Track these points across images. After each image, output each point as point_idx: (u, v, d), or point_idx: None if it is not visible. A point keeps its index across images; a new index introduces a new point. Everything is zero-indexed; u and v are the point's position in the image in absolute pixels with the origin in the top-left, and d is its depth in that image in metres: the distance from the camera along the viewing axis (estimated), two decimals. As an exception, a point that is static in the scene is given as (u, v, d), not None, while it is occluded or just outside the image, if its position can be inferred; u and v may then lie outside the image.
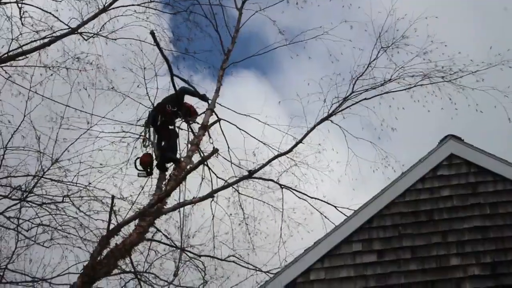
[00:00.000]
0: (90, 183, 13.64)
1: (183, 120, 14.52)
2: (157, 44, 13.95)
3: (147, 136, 13.85)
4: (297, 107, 17.05)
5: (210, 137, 15.18)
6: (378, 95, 16.02)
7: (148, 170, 13.70)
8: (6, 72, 13.86)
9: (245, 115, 16.23)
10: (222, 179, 15.32)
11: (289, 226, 16.07)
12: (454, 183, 8.87)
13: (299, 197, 15.93)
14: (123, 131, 15.22)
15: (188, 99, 14.67)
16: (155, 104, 14.93)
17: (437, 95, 15.57)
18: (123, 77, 15.92)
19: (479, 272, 8.20)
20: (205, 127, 14.80)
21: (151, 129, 14.05)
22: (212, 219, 15.43)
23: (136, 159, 13.65)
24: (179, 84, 14.60)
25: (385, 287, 8.41)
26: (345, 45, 16.76)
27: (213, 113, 15.26)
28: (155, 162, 13.76)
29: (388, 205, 8.90)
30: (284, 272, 8.86)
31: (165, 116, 13.64)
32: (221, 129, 15.57)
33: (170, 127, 13.98)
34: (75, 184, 13.58)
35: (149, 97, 15.45)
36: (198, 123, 14.90)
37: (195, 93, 14.70)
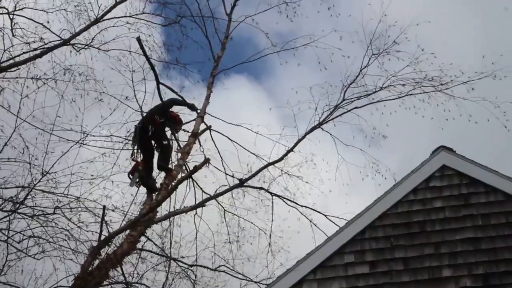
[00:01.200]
0: (81, 195, 13.58)
1: (170, 131, 14.44)
2: (143, 51, 13.95)
3: (135, 150, 13.70)
4: (289, 112, 17.04)
5: (200, 145, 15.16)
6: (369, 103, 16.03)
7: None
8: (-3, 85, 13.82)
9: (236, 125, 16.24)
10: (207, 194, 15.26)
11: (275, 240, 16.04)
12: (446, 194, 8.89)
13: (289, 205, 15.91)
14: (112, 135, 15.19)
15: (175, 108, 14.62)
16: (143, 113, 14.91)
17: (429, 103, 15.58)
18: (111, 80, 15.88)
19: (471, 283, 8.21)
20: (195, 135, 14.76)
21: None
22: (196, 233, 15.40)
23: (129, 173, 13.55)
24: (165, 92, 14.61)
25: (378, 298, 8.42)
26: (334, 53, 16.74)
27: (203, 121, 15.24)
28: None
29: (380, 216, 8.90)
30: (277, 283, 8.84)
31: (155, 127, 13.55)
32: (211, 137, 15.57)
33: (162, 137, 13.88)
34: (66, 196, 13.52)
35: (136, 100, 15.46)
36: (186, 131, 14.86)
37: (183, 103, 14.62)
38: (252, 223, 16.10)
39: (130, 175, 13.49)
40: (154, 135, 13.49)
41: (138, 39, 13.85)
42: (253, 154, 16.05)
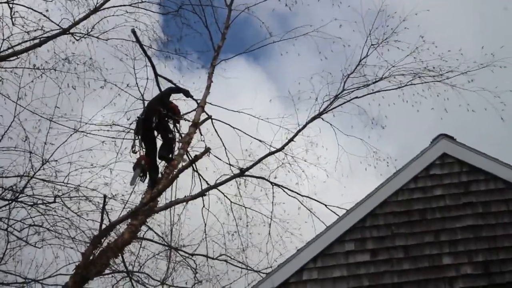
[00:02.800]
0: (80, 184, 13.59)
1: (172, 122, 14.42)
2: (139, 43, 13.92)
3: (137, 143, 13.68)
4: (290, 96, 17.04)
5: (201, 135, 15.18)
6: (369, 93, 16.02)
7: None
8: (-3, 74, 13.81)
9: (236, 111, 16.24)
10: (209, 184, 15.27)
11: (277, 227, 16.06)
12: (447, 182, 8.89)
13: (290, 195, 15.93)
14: (113, 124, 15.20)
15: (172, 98, 14.60)
16: (145, 101, 14.92)
17: (429, 95, 15.58)
18: (112, 67, 15.88)
19: (471, 271, 8.22)
20: (196, 125, 14.77)
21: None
22: (205, 225, 15.40)
23: (135, 163, 13.50)
24: (163, 84, 14.61)
25: (378, 286, 8.42)
26: (334, 41, 16.73)
27: (204, 111, 15.24)
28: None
29: (380, 204, 8.91)
30: (277, 272, 8.85)
31: (159, 118, 13.53)
32: (213, 126, 15.57)
33: (166, 129, 13.86)
34: (65, 185, 13.53)
35: (138, 88, 15.51)
36: (187, 120, 14.85)
37: (179, 90, 14.59)
38: (257, 211, 16.06)
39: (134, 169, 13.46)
40: (158, 127, 13.49)
41: (133, 32, 13.85)
42: (256, 139, 16.06)
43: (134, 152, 13.62)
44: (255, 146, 16.14)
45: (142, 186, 13.75)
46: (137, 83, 15.49)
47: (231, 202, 15.98)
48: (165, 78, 14.81)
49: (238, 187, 15.85)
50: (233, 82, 17.22)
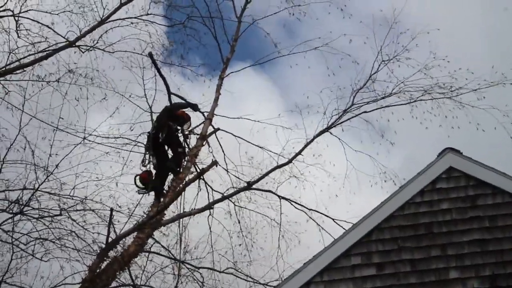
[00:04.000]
0: (87, 197, 13.61)
1: (182, 135, 14.45)
2: (155, 65, 14.03)
3: (147, 157, 13.75)
4: (298, 103, 17.06)
5: (209, 146, 15.20)
6: (378, 108, 16.04)
7: (147, 186, 13.58)
8: (3, 87, 13.85)
9: (242, 117, 16.26)
10: (220, 193, 15.30)
11: (285, 239, 16.02)
12: (453, 196, 8.85)
13: (297, 208, 15.91)
14: (118, 137, 15.24)
15: None
16: (152, 114, 14.98)
17: (437, 113, 15.56)
18: (121, 79, 15.93)
19: (478, 285, 8.19)
20: (204, 137, 14.80)
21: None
22: (210, 233, 15.39)
23: (136, 176, 13.59)
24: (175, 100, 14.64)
25: (385, 300, 8.41)
26: (343, 58, 16.78)
27: (211, 124, 15.27)
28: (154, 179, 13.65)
29: (387, 218, 8.88)
30: (284, 285, 8.84)
31: (169, 133, 13.61)
32: (217, 140, 15.58)
33: (177, 143, 13.93)
34: (71, 197, 13.56)
35: (146, 99, 15.53)
36: (196, 133, 14.86)
37: (185, 105, 14.62)
38: (262, 214, 15.98)
39: (136, 178, 13.50)
40: (168, 141, 13.56)
41: (150, 54, 13.99)
42: (265, 149, 16.04)
43: (144, 166, 13.68)
44: (261, 158, 16.13)
45: (149, 199, 13.78)
46: (145, 94, 15.56)
47: (234, 205, 15.91)
48: (177, 96, 14.84)
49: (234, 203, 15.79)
50: (239, 91, 17.18)
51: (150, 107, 15.32)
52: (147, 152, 13.68)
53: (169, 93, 14.41)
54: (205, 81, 17.36)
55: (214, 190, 15.36)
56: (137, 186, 13.50)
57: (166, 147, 13.81)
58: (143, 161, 13.70)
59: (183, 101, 14.73)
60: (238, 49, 16.97)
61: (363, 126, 16.10)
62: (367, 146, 16.54)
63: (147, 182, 13.42)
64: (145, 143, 14.11)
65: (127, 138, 15.21)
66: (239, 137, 16.00)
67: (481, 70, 15.62)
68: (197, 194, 15.10)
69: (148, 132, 13.91)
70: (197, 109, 14.77)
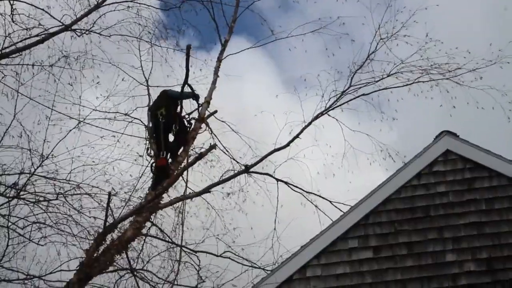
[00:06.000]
0: (83, 181, 13.59)
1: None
2: (187, 58, 14.02)
3: (150, 144, 13.78)
4: (296, 78, 17.04)
5: (209, 128, 15.16)
6: (376, 90, 15.96)
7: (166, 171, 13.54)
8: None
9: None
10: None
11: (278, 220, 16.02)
12: (450, 179, 8.88)
13: (295, 191, 15.89)
14: (117, 112, 15.24)
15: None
16: (149, 87, 15.12)
17: (439, 90, 15.51)
18: (118, 47, 15.87)
19: (475, 267, 8.23)
20: (202, 120, 14.76)
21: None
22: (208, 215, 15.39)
23: (152, 163, 13.54)
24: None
25: (382, 283, 8.44)
26: (341, 37, 16.69)
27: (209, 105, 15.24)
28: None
29: (384, 201, 8.91)
30: (281, 268, 8.89)
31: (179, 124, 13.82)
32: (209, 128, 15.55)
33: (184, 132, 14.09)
34: (67, 182, 13.53)
35: (143, 71, 15.55)
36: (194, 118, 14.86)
37: (188, 95, 14.64)
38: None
39: (153, 171, 13.49)
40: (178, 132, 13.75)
41: (188, 47, 14.08)
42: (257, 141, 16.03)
43: (150, 155, 13.69)
44: (259, 141, 16.09)
45: (147, 184, 13.78)
46: (141, 66, 15.58)
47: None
48: (191, 87, 14.82)
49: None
50: (234, 63, 17.02)
51: (147, 80, 15.36)
52: (151, 140, 13.74)
53: (185, 83, 14.38)
54: (203, 65, 17.27)
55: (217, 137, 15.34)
56: (154, 174, 13.44)
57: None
58: (147, 149, 13.72)
59: (185, 92, 14.69)
60: (237, 28, 16.94)
61: (362, 107, 16.02)
62: (365, 127, 16.44)
63: (165, 167, 13.38)
64: (147, 132, 14.16)
65: (124, 114, 15.16)
66: (241, 134, 15.96)
67: (480, 47, 15.56)
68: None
69: (151, 118, 13.96)
70: (198, 100, 14.80)
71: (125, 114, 15.21)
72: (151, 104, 14.69)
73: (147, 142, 14.16)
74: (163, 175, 13.32)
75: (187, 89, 14.56)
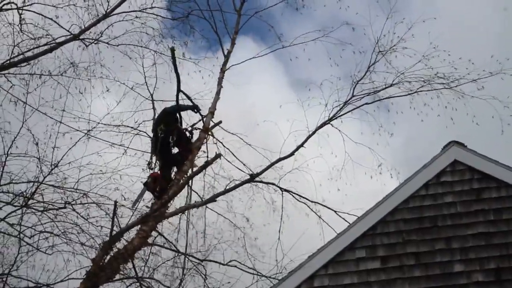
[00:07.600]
0: (90, 190, 13.64)
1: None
2: (174, 61, 14.06)
3: (153, 160, 13.83)
4: (301, 80, 17.12)
5: (214, 138, 15.20)
6: (378, 100, 16.06)
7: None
8: (8, 80, 13.87)
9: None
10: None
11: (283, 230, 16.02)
12: (458, 189, 8.88)
13: (299, 201, 15.91)
14: (122, 125, 15.31)
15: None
16: (154, 101, 15.16)
17: (438, 103, 15.59)
18: (121, 65, 16.00)
19: (483, 278, 8.22)
20: (206, 130, 14.81)
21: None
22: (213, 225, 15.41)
23: (148, 178, 13.57)
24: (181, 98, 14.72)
25: (389, 293, 8.43)
26: (344, 49, 16.83)
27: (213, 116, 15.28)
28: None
29: (391, 211, 8.90)
30: (288, 278, 8.88)
31: (180, 136, 13.81)
32: (213, 137, 15.57)
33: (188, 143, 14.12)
34: (75, 190, 13.58)
35: (147, 86, 15.65)
36: (197, 129, 14.90)
37: (187, 107, 14.70)
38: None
39: (147, 185, 13.51)
40: (177, 142, 13.73)
41: (172, 49, 14.12)
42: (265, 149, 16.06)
43: (151, 168, 13.71)
44: (265, 147, 16.15)
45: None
46: (146, 82, 15.69)
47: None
48: (185, 94, 14.87)
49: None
50: (241, 65, 17.09)
51: (152, 94, 15.48)
52: (153, 154, 13.77)
53: (178, 90, 14.44)
54: (209, 75, 17.34)
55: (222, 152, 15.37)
56: (145, 185, 13.48)
57: (172, 148, 13.97)
58: (149, 163, 13.75)
59: (183, 104, 14.74)
60: (241, 31, 17.15)
61: (364, 117, 16.15)
62: (368, 136, 16.51)
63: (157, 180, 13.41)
64: (150, 147, 14.20)
65: (129, 127, 15.25)
66: (254, 145, 16.03)
67: (481, 59, 15.61)
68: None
69: (153, 136, 13.97)
70: (198, 111, 14.83)
71: (133, 128, 15.33)
72: (153, 122, 14.78)
73: (150, 156, 14.20)
74: (149, 188, 13.40)
75: (181, 97, 14.67)
